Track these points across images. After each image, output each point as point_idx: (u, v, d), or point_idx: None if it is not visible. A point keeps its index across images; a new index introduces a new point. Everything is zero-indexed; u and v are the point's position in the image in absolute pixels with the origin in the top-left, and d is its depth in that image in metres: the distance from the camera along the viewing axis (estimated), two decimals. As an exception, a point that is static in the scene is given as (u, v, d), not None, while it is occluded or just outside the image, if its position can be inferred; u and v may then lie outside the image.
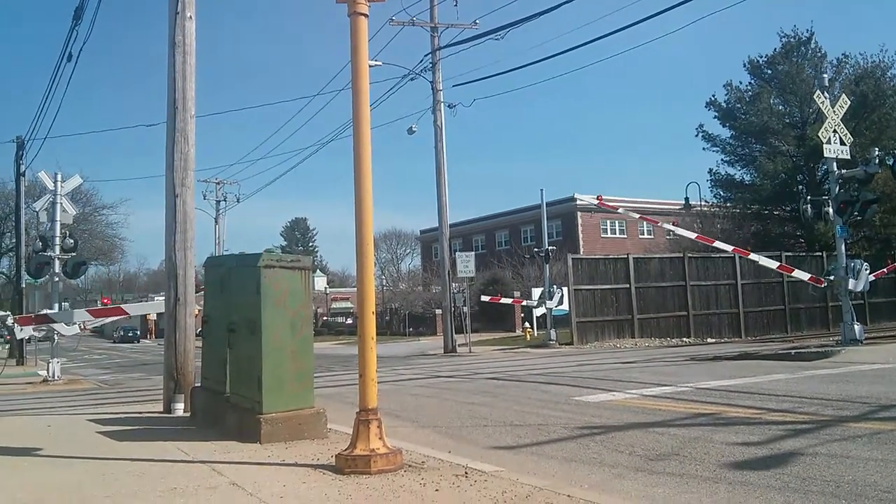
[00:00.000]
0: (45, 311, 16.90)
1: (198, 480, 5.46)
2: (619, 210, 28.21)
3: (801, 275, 22.66)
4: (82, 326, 19.84)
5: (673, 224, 27.83)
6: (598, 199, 25.84)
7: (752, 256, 24.30)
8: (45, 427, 8.79)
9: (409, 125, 28.89)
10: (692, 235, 26.80)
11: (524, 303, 35.14)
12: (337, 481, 5.27)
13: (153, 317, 67.76)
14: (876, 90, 37.18)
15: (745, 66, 41.64)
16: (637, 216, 27.51)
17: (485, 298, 33.85)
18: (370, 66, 6.25)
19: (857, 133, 27.79)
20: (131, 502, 4.89)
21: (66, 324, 17.19)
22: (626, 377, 12.97)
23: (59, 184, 18.66)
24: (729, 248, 25.75)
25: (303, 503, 4.77)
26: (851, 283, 17.82)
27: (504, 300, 36.29)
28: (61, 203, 18.62)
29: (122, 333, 67.36)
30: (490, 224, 64.79)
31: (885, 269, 24.80)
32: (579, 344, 26.60)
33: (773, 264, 24.83)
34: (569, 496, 4.72)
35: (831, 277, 18.39)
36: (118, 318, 21.79)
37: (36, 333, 18.29)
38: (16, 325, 17.56)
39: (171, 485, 5.32)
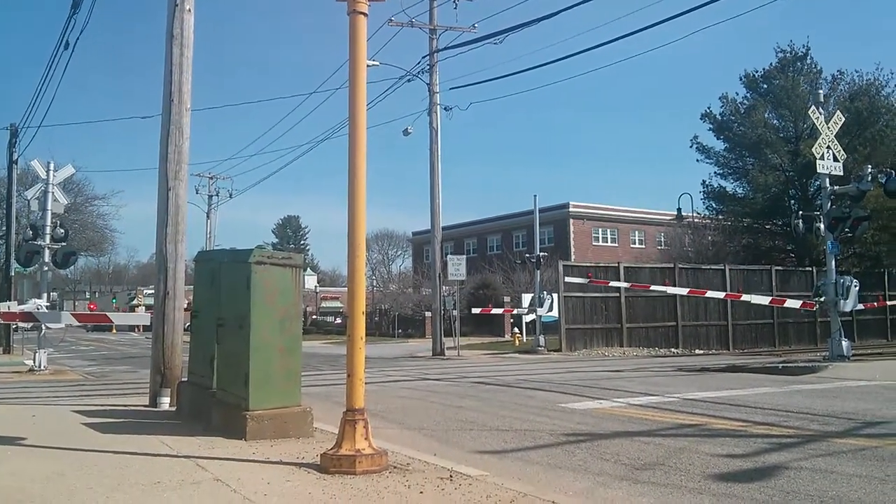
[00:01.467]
0: (30, 310, 16.82)
1: (181, 475, 5.43)
2: (611, 283, 28.02)
3: (793, 303, 23.17)
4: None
5: (665, 284, 28.10)
6: (588, 275, 26.55)
7: (745, 297, 25.83)
8: (29, 417, 8.74)
9: (404, 126, 28.91)
10: (684, 291, 27.81)
11: (514, 311, 35.20)
12: (321, 480, 5.25)
13: (141, 309, 67.69)
14: (870, 107, 37.32)
15: (741, 79, 41.77)
16: (628, 285, 27.65)
17: (475, 311, 33.86)
18: (368, 66, 6.24)
19: (850, 150, 27.89)
20: (114, 494, 4.86)
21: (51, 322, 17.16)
22: (614, 386, 12.98)
23: (51, 173, 18.58)
24: (721, 294, 27.45)
25: (286, 501, 4.76)
26: (842, 304, 17.85)
27: (495, 311, 36.34)
28: (53, 192, 18.54)
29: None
30: (482, 228, 64.87)
31: (874, 303, 25.63)
32: (567, 351, 26.63)
33: (766, 300, 26.18)
34: (553, 502, 4.72)
35: (822, 299, 18.36)
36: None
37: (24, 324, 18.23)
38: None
39: (154, 478, 5.30)
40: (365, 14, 5.95)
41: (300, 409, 7.13)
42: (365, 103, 6.00)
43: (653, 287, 27.36)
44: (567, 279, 26.69)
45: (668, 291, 27.57)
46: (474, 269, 46.54)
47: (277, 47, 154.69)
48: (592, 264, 31.43)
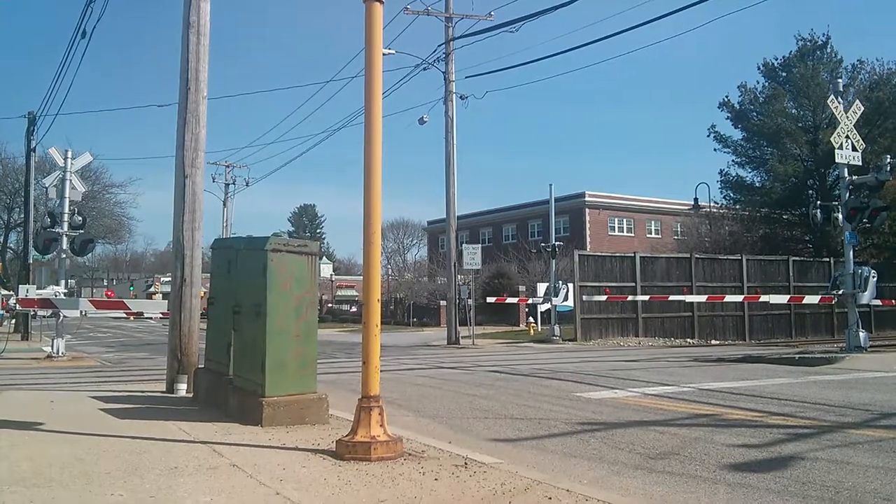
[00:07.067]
0: (47, 296, 16.96)
1: (198, 460, 5.47)
2: (628, 298, 27.83)
3: (812, 299, 23.16)
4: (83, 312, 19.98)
5: (683, 292, 28.12)
6: (606, 291, 26.60)
7: (763, 298, 25.80)
8: (47, 402, 8.82)
9: (419, 115, 28.88)
10: (702, 299, 27.74)
11: (529, 301, 35.16)
12: (336, 466, 5.28)
13: (158, 297, 68.11)
14: (891, 97, 36.90)
15: (759, 67, 41.41)
16: (647, 297, 27.51)
17: (490, 300, 33.85)
18: (383, 55, 6.22)
19: (870, 140, 27.64)
20: (131, 479, 4.90)
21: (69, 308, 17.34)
22: (629, 375, 12.96)
23: (69, 160, 18.67)
24: (739, 297, 27.57)
25: (302, 486, 4.78)
26: (860, 296, 17.71)
27: (510, 300, 36.31)
28: (71, 180, 18.64)
29: None
30: (497, 217, 64.77)
31: (893, 300, 25.79)
32: (583, 341, 26.59)
33: (783, 299, 26.74)
34: (567, 490, 4.71)
35: (840, 292, 18.23)
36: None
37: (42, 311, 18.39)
38: (17, 306, 17.73)
39: (171, 464, 5.34)
40: (381, 1, 5.93)
41: (316, 395, 7.16)
42: (380, 92, 5.98)
43: (671, 298, 27.27)
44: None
45: (687, 300, 27.51)
46: (489, 259, 46.51)
47: (294, 35, 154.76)
48: (609, 254, 31.31)
